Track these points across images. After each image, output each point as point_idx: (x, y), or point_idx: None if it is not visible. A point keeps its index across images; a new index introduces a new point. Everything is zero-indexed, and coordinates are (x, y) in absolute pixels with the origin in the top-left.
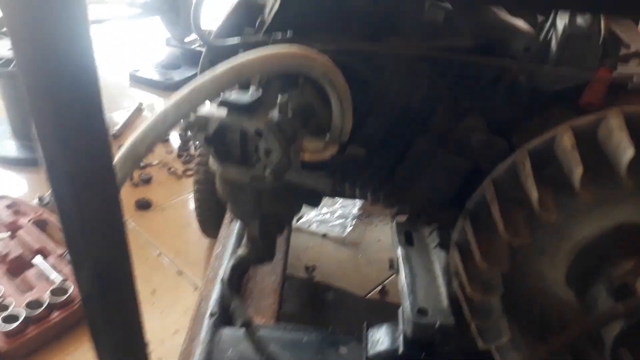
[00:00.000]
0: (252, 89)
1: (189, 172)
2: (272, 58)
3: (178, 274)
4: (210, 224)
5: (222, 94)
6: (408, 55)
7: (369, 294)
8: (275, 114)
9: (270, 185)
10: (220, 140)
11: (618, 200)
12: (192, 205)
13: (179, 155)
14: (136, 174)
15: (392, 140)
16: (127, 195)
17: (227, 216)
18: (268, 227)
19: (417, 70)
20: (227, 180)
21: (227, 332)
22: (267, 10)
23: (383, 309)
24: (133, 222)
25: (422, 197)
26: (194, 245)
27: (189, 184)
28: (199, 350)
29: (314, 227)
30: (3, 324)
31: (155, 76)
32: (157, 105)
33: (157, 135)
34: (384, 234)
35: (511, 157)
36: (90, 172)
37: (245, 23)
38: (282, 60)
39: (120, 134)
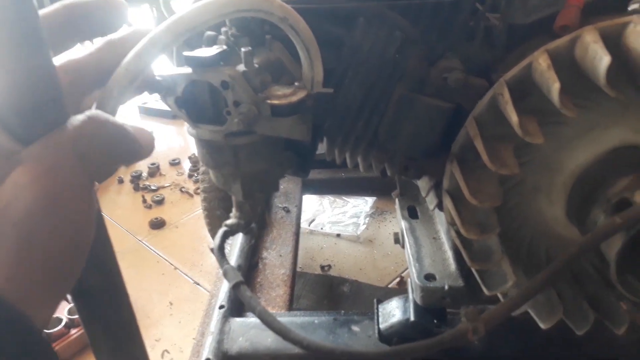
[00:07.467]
0: (216, 46)
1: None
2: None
3: (194, 285)
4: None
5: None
6: (378, 5)
7: (387, 286)
8: (241, 66)
9: (245, 141)
10: (191, 101)
11: (607, 124)
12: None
13: (190, 176)
14: (149, 196)
15: (372, 97)
16: (141, 217)
17: None
18: (250, 188)
19: (388, 20)
20: (204, 143)
21: (236, 322)
22: None
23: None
24: (147, 241)
25: (408, 147)
26: (208, 256)
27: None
28: (209, 340)
29: (327, 228)
30: None
31: (164, 106)
32: (167, 132)
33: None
34: (398, 229)
35: (490, 92)
36: None
37: None
38: (240, 1)
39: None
